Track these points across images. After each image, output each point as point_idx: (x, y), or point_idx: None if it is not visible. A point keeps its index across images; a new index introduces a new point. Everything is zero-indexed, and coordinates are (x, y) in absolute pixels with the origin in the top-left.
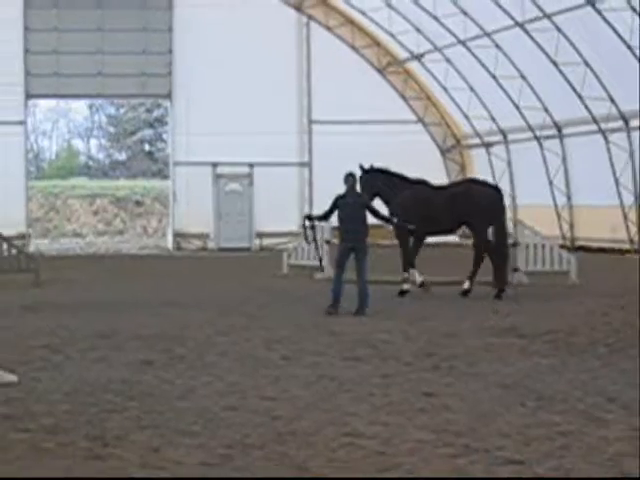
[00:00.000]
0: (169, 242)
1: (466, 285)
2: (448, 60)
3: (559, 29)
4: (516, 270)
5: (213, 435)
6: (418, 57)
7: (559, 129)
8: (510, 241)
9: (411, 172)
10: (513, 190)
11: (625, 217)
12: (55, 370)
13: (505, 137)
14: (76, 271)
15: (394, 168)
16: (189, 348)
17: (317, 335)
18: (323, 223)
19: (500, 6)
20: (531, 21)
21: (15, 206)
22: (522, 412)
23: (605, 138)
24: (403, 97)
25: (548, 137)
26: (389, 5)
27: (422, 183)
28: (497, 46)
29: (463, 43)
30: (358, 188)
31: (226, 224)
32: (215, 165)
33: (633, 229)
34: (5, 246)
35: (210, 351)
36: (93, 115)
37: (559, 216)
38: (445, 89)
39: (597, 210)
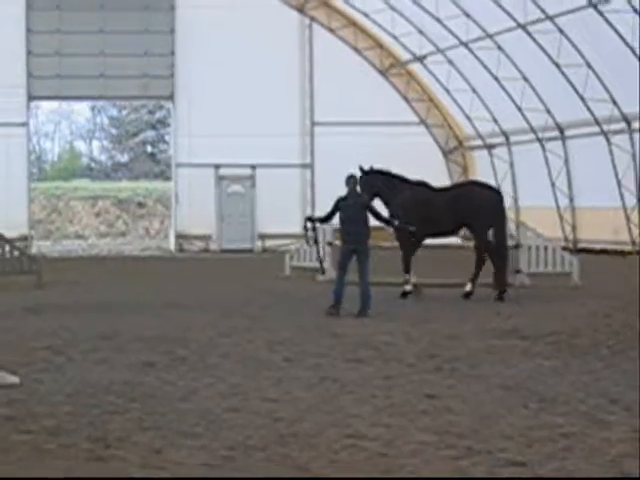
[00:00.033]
0: (171, 244)
1: (468, 287)
2: (450, 62)
3: (561, 31)
4: (518, 272)
5: (215, 437)
6: (420, 59)
7: (561, 131)
8: (512, 243)
9: (413, 174)
10: (515, 192)
11: (627, 219)
12: (57, 372)
13: (507, 139)
14: (78, 273)
15: (396, 170)
16: (191, 350)
17: (319, 337)
18: (325, 225)
19: (502, 8)
20: (533, 23)
21: (17, 208)
22: (524, 414)
23: (607, 140)
24: (405, 99)
25: (550, 139)
26: (391, 7)
27: (422, 185)
28: (499, 48)
29: (465, 45)
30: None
31: (228, 226)
32: (217, 167)
33: (635, 231)
34: (7, 248)
35: (212, 353)
36: (95, 117)
37: (561, 218)
38: (447, 91)
39: (599, 212)
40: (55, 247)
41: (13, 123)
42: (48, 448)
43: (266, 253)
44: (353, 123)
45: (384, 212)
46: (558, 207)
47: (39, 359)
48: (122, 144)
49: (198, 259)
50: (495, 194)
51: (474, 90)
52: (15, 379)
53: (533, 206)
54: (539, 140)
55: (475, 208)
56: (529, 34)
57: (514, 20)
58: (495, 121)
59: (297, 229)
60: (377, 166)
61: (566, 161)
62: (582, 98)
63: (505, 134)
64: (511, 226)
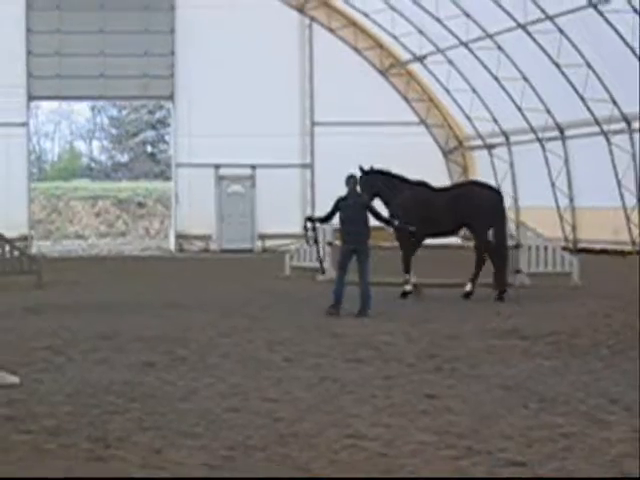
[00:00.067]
0: (171, 244)
1: (468, 287)
2: (450, 62)
3: (561, 31)
4: (518, 272)
5: (215, 437)
6: (420, 59)
7: (561, 131)
8: (512, 243)
9: (413, 174)
10: (515, 192)
11: (627, 219)
12: (57, 372)
13: (507, 139)
14: (78, 273)
15: (396, 170)
16: (191, 350)
17: (319, 337)
18: (325, 225)
19: (502, 8)
20: (533, 23)
21: (17, 208)
22: (524, 414)
23: (607, 140)
24: (405, 99)
25: (550, 139)
26: (391, 7)
27: (422, 185)
28: (499, 48)
29: (465, 45)
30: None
31: (228, 226)
32: (217, 167)
33: (635, 231)
34: (7, 248)
35: (212, 353)
36: (95, 117)
37: (561, 218)
38: (447, 91)
39: (599, 212)
40: (55, 247)
41: (13, 123)
42: (48, 448)
43: (266, 253)
44: (353, 123)
45: (384, 212)
46: (558, 207)
47: (39, 359)
48: (122, 144)
49: (198, 259)
50: (495, 194)
51: (474, 90)
52: (15, 379)
53: (533, 206)
54: (539, 140)
55: (475, 208)
56: (529, 34)
57: (514, 20)
58: (495, 121)
59: (297, 229)
60: (377, 166)
61: (566, 161)
62: (582, 98)
63: (505, 134)
64: (511, 226)
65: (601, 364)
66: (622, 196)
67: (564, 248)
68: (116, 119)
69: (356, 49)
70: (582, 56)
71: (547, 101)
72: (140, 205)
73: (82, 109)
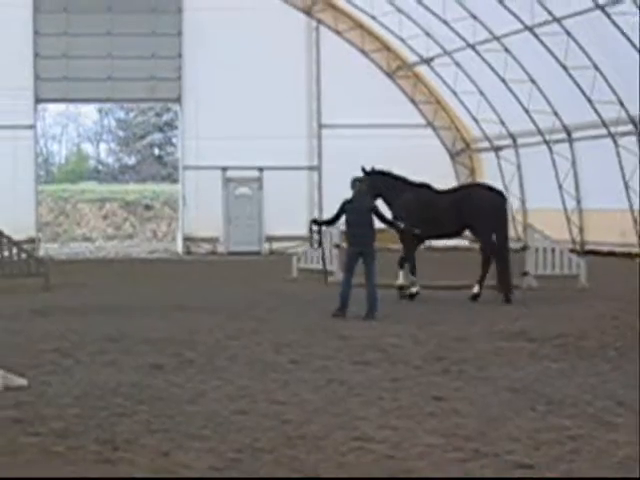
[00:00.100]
0: (179, 246)
1: (475, 289)
2: (457, 64)
3: (569, 33)
4: (526, 274)
5: (223, 439)
6: (427, 61)
7: (569, 133)
8: (520, 245)
9: (421, 176)
10: (523, 194)
11: (635, 221)
12: (65, 374)
13: (515, 141)
14: (86, 275)
15: (404, 172)
16: (199, 352)
17: (326, 339)
18: (331, 228)
19: (509, 10)
20: (540, 25)
21: (25, 210)
22: (532, 416)
23: (615, 142)
24: (413, 101)
25: (558, 141)
26: (398, 9)
27: (425, 186)
28: (506, 50)
29: (472, 47)
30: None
31: (236, 228)
32: (225, 169)
33: None
34: (15, 250)
35: (220, 355)
36: (102, 119)
37: (569, 220)
38: (454, 93)
39: (607, 214)
40: (62, 249)
41: (20, 125)
42: (56, 450)
43: (273, 255)
44: (360, 125)
45: (386, 213)
46: (565, 209)
47: (47, 361)
48: (129, 146)
49: (205, 261)
50: (497, 196)
51: (481, 92)
52: (23, 381)
53: (540, 208)
54: (546, 142)
55: (477, 210)
56: (536, 36)
57: (521, 22)
58: (502, 123)
59: (304, 231)
60: (379, 167)
61: (573, 163)
62: (589, 100)
63: (512, 136)
64: (518, 228)
65: (608, 366)
66: (629, 198)
67: (571, 250)
68: (123, 121)
69: (363, 51)
70: (589, 58)
71: (554, 103)
72: (147, 208)
73: (89, 111)
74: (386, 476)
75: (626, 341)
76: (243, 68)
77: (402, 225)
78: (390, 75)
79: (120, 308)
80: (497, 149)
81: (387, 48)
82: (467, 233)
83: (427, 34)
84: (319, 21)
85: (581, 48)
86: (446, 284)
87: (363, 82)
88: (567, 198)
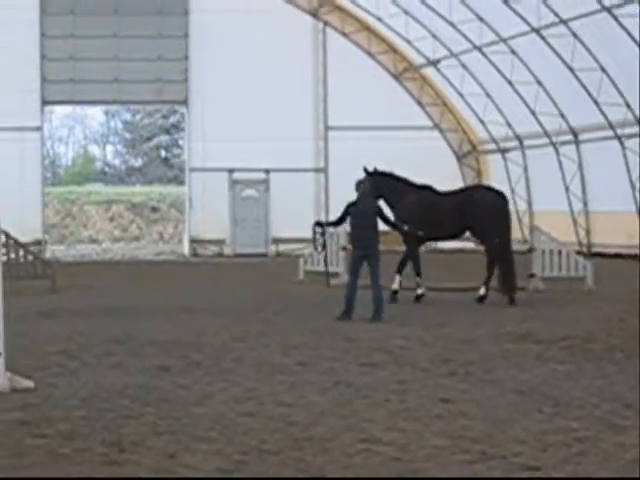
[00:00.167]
0: (185, 248)
1: (482, 291)
2: (464, 66)
3: (575, 35)
4: (532, 276)
5: (229, 441)
6: (434, 63)
7: (575, 135)
8: (526, 247)
9: (427, 178)
10: (529, 196)
11: None
12: (71, 376)
13: (521, 143)
14: (92, 277)
15: (410, 174)
16: (205, 354)
17: (333, 341)
18: (338, 229)
19: (516, 12)
20: (547, 27)
21: (31, 212)
22: (538, 418)
23: (621, 144)
24: (419, 103)
25: (564, 143)
26: (405, 11)
27: (427, 188)
28: (513, 52)
29: (479, 49)
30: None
31: (242, 230)
32: (231, 171)
33: None
34: (21, 252)
35: (226, 357)
36: (109, 121)
37: (575, 222)
38: (461, 95)
39: (613, 216)
40: (69, 251)
41: (27, 127)
42: (63, 452)
43: (280, 257)
44: (367, 127)
45: (389, 214)
46: (572, 211)
47: (53, 363)
48: (136, 149)
49: (212, 263)
50: (499, 197)
51: (488, 94)
52: (29, 383)
53: (547, 210)
54: (553, 144)
55: (478, 211)
56: (543, 38)
57: (528, 24)
58: (509, 125)
59: (311, 233)
60: (381, 168)
61: (580, 165)
62: (596, 102)
63: (519, 138)
64: (525, 230)
65: (615, 368)
66: (636, 200)
67: (578, 252)
68: (130, 123)
69: (370, 53)
70: (596, 60)
71: (561, 105)
72: (154, 210)
73: (96, 113)
74: (393, 476)
75: (633, 343)
76: (249, 70)
77: (406, 227)
78: (397, 77)
79: (126, 310)
80: (504, 151)
81: (393, 50)
82: (465, 234)
83: (434, 36)
84: (325, 23)
85: (587, 50)
86: (452, 286)
87: (369, 84)
88: (574, 200)
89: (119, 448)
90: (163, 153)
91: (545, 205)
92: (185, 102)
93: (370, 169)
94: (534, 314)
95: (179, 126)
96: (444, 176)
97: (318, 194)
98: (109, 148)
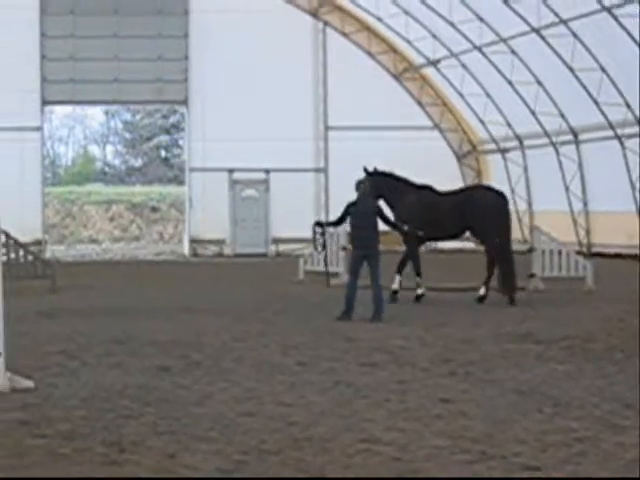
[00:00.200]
0: (185, 248)
1: (482, 291)
2: (464, 66)
3: (575, 35)
4: (532, 276)
5: (229, 441)
6: (434, 63)
7: (575, 135)
8: (526, 247)
9: (427, 178)
10: (529, 196)
11: None
12: (71, 376)
13: (521, 143)
14: (92, 277)
15: (410, 174)
16: (205, 354)
17: (333, 341)
18: (338, 229)
19: (516, 12)
20: (547, 27)
21: (31, 212)
22: (539, 418)
23: (621, 144)
24: (419, 103)
25: (564, 143)
26: (405, 11)
27: (427, 188)
28: (513, 52)
29: (479, 49)
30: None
31: (242, 230)
32: (231, 171)
33: None
34: (21, 252)
35: (226, 357)
36: (109, 121)
37: (575, 222)
38: (461, 95)
39: (613, 216)
40: (69, 251)
41: (27, 127)
42: (63, 452)
43: (280, 257)
44: (367, 127)
45: (388, 214)
46: (572, 211)
47: (53, 363)
48: (136, 149)
49: (212, 263)
50: (498, 197)
51: (488, 94)
52: (29, 383)
53: (547, 210)
54: (553, 144)
55: (478, 211)
56: (543, 38)
57: (528, 24)
58: (509, 125)
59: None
60: (381, 168)
61: (580, 165)
62: (596, 102)
63: (519, 138)
64: (525, 230)
65: (615, 368)
66: (636, 200)
67: (578, 252)
68: (130, 123)
69: (370, 53)
70: (596, 60)
71: (561, 105)
72: (154, 210)
73: (96, 113)
74: (393, 476)
75: (633, 343)
76: (249, 70)
77: (406, 227)
78: (397, 77)
79: (126, 310)
80: (504, 151)
81: (393, 50)
82: (468, 234)
83: (434, 36)
84: (325, 23)
85: (587, 50)
86: (452, 286)
87: (369, 84)
88: (574, 200)
89: (119, 448)
90: (163, 153)
91: (545, 205)
92: (185, 102)
93: (370, 169)
94: (534, 314)
95: (179, 126)
96: (444, 176)
97: (318, 194)
98: (109, 148)
